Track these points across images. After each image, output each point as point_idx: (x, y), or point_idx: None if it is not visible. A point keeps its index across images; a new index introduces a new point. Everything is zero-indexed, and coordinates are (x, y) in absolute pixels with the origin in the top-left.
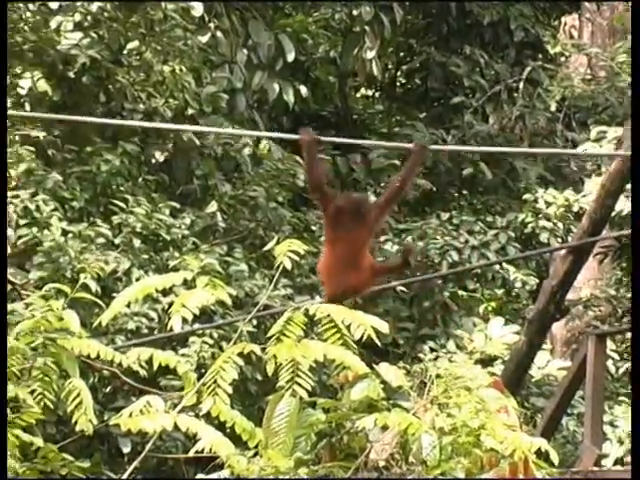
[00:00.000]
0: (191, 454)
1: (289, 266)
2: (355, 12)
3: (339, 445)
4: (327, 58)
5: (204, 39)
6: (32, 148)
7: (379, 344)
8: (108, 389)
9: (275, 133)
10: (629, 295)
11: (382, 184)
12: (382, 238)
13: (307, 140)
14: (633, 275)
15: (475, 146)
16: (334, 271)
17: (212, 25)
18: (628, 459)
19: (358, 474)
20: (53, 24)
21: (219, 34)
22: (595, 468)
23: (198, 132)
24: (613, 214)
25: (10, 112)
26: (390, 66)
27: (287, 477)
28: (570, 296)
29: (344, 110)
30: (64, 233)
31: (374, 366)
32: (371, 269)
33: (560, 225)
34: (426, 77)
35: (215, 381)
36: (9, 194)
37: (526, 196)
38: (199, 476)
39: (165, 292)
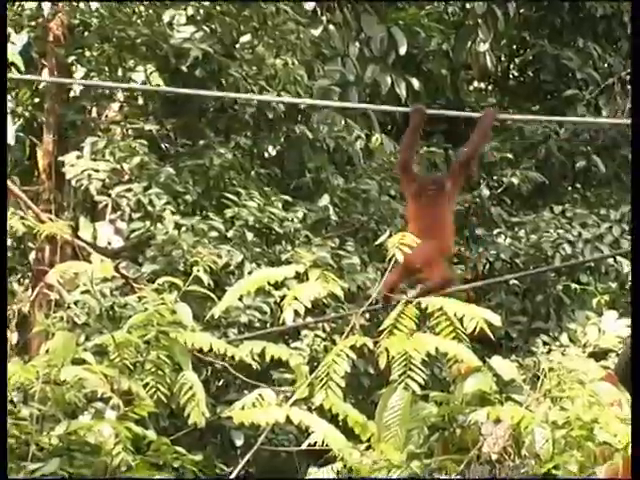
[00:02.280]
0: (303, 447)
1: (401, 259)
2: (468, 5)
3: (451, 438)
4: (439, 51)
5: (316, 32)
6: (145, 142)
7: (492, 337)
8: (220, 382)
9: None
10: None
11: (494, 177)
12: (495, 231)
13: (416, 117)
14: (633, 273)
15: (587, 138)
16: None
17: (324, 18)
18: None
19: (470, 467)
20: (166, 18)
21: (331, 27)
22: None
23: (307, 123)
24: None
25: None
26: (503, 59)
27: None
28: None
29: (456, 103)
30: (177, 226)
31: (487, 359)
32: (451, 237)
33: None
34: (539, 70)
35: (327, 374)
36: (122, 188)
37: None
38: (312, 469)
39: (277, 285)
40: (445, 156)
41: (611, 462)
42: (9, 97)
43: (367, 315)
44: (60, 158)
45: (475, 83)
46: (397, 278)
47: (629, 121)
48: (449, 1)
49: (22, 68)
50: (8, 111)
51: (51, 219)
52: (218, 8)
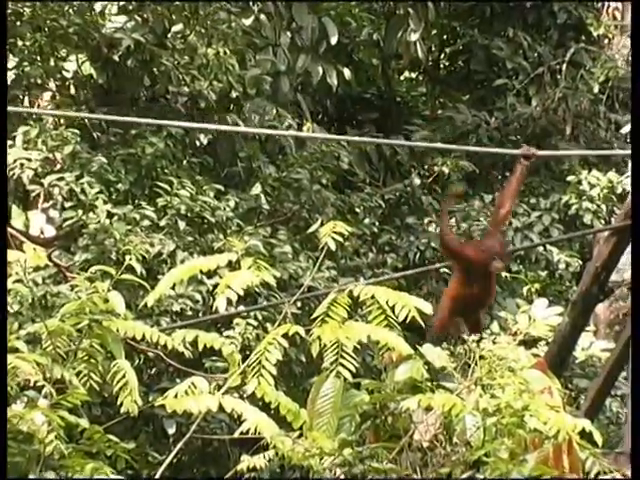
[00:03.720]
0: (236, 435)
1: (333, 247)
2: None
3: (383, 426)
4: (370, 41)
5: (248, 22)
6: (77, 131)
7: (423, 325)
8: (153, 371)
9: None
10: None
11: (425, 166)
12: (426, 220)
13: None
14: (633, 275)
15: (517, 127)
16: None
17: (256, 8)
18: None
19: (402, 455)
20: (98, 7)
21: (263, 17)
22: None
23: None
24: None
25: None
26: (433, 49)
27: None
28: (614, 278)
29: (387, 92)
30: (109, 215)
31: (418, 347)
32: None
33: (603, 207)
34: (469, 59)
35: (259, 362)
36: (54, 176)
37: (569, 178)
38: (244, 457)
39: (210, 274)
40: (377, 145)
41: (541, 449)
42: None
43: (299, 303)
44: None
45: (406, 72)
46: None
47: None
48: None
49: None
50: None
51: None
52: None
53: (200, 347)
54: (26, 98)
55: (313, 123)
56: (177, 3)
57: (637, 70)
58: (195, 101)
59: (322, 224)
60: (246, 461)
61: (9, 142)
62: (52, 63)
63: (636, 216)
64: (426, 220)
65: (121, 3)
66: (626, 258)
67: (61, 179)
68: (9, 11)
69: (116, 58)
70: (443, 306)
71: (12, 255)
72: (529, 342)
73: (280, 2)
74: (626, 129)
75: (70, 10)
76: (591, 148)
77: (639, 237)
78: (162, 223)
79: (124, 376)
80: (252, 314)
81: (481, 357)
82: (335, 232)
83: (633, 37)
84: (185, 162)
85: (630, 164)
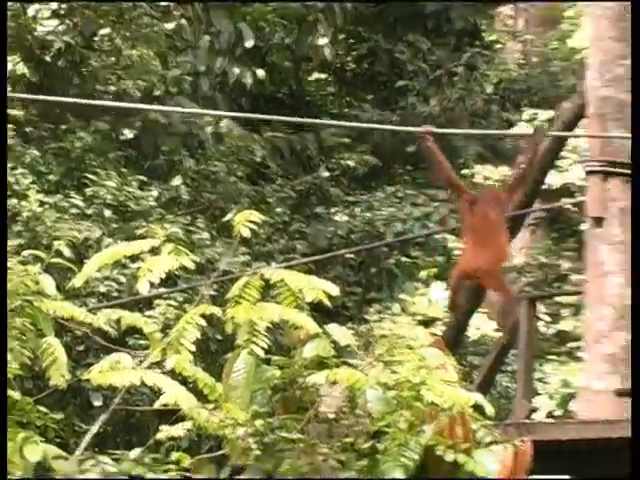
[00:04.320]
0: (156, 407)
1: (247, 234)
2: (309, 2)
3: (292, 399)
4: (283, 44)
5: (170, 26)
6: (12, 126)
7: (329, 306)
8: (81, 347)
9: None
10: (558, 262)
11: (333, 160)
12: (333, 209)
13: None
14: (633, 275)
15: (417, 125)
16: (473, 251)
17: (177, 13)
18: (557, 412)
19: (309, 425)
20: (31, 12)
21: (183, 21)
22: (527, 420)
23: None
24: (544, 188)
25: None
26: (341, 52)
27: None
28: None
29: (298, 92)
30: (41, 204)
31: (325, 327)
32: (506, 245)
33: None
34: (373, 62)
35: (178, 340)
36: None
37: (464, 171)
38: (163, 427)
39: (133, 258)
40: (288, 140)
41: (437, 421)
42: None
43: (215, 286)
44: None
45: (315, 74)
46: (457, 284)
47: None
48: None
49: None
50: None
51: None
52: (79, 3)
53: (124, 326)
54: None
55: (230, 120)
56: (104, 8)
57: (637, 70)
58: (120, 99)
59: (237, 213)
60: (165, 431)
61: None
62: None
63: (636, 215)
64: (333, 209)
65: (53, 8)
66: (516, 245)
67: None
68: None
69: (48, 59)
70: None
71: None
72: (427, 322)
73: (200, 8)
74: (517, 127)
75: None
76: (485, 144)
77: (639, 234)
78: (89, 211)
79: (53, 352)
80: (172, 296)
81: (382, 336)
82: (249, 220)
83: (633, 37)
84: (111, 155)
85: (630, 164)
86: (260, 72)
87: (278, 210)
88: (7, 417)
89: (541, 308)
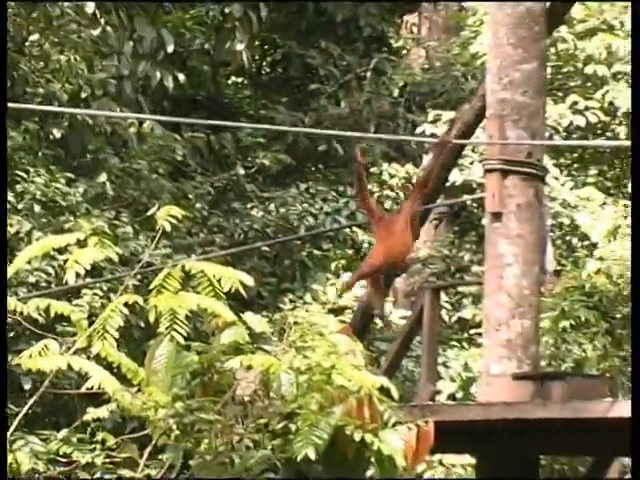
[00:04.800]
0: (83, 390)
1: (168, 228)
2: (227, 10)
3: (210, 383)
4: (202, 50)
5: (95, 32)
6: None
7: (245, 296)
8: (11, 334)
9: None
10: (460, 255)
11: (249, 158)
12: (249, 205)
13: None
14: (632, 275)
15: (330, 128)
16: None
17: (102, 20)
18: (458, 395)
19: (226, 407)
20: None
21: (108, 28)
22: (430, 402)
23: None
24: (447, 185)
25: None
26: (257, 57)
27: None
28: (410, 255)
29: (216, 95)
30: None
31: (241, 315)
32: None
33: (401, 194)
34: (287, 67)
35: (104, 327)
36: None
37: (372, 169)
38: (89, 409)
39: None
40: (207, 140)
41: (346, 403)
42: None
43: (139, 277)
44: None
45: (233, 77)
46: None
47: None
48: (211, 1)
49: None
50: None
51: None
52: (10, 10)
53: (52, 314)
54: None
55: (152, 121)
56: (34, 15)
57: (637, 70)
58: (49, 101)
59: (159, 208)
60: (91, 413)
61: None
62: None
63: (636, 215)
64: (249, 205)
65: None
66: (420, 238)
67: None
68: None
69: None
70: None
71: None
72: (337, 310)
73: (124, 15)
74: (421, 128)
75: None
76: (391, 144)
77: (639, 235)
78: (20, 206)
79: None
80: (98, 286)
81: (295, 323)
82: (170, 215)
83: (633, 37)
84: (40, 154)
85: (630, 165)
86: (181, 76)
87: (197, 205)
88: (7, 416)
89: (444, 297)
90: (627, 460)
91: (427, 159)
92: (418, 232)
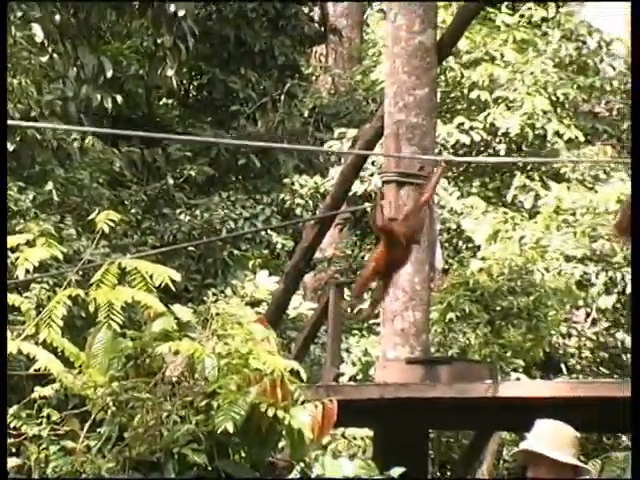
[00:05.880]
0: (31, 371)
1: (107, 230)
2: (159, 41)
3: (142, 365)
4: (137, 75)
5: (44, 59)
6: None
7: (174, 290)
8: None
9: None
10: (361, 254)
11: (177, 170)
12: (178, 211)
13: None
14: (633, 275)
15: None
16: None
17: (50, 48)
18: (359, 377)
19: (157, 387)
20: None
21: (55, 55)
22: (334, 383)
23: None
24: (350, 194)
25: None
26: (185, 82)
27: None
28: (317, 255)
29: (149, 114)
30: None
31: (170, 306)
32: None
33: (310, 202)
34: (211, 90)
35: (50, 317)
36: None
37: (285, 180)
38: (37, 388)
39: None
40: (141, 154)
41: (261, 384)
42: None
43: (81, 273)
44: None
45: (164, 99)
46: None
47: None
48: (145, 33)
49: None
50: None
51: None
52: None
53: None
54: None
55: (93, 137)
56: None
57: (637, 69)
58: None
59: (99, 213)
60: (38, 391)
61: None
62: None
63: (636, 217)
64: (178, 211)
65: None
66: (327, 240)
67: None
68: None
69: None
70: (365, 273)
71: None
72: (254, 303)
73: (69, 44)
74: (328, 144)
75: None
76: (302, 158)
77: (639, 237)
78: None
79: None
80: (45, 280)
81: (217, 314)
82: (108, 219)
83: (633, 38)
84: None
85: (630, 165)
86: (118, 98)
87: (132, 211)
88: (7, 416)
89: (347, 292)
90: (504, 433)
91: (333, 171)
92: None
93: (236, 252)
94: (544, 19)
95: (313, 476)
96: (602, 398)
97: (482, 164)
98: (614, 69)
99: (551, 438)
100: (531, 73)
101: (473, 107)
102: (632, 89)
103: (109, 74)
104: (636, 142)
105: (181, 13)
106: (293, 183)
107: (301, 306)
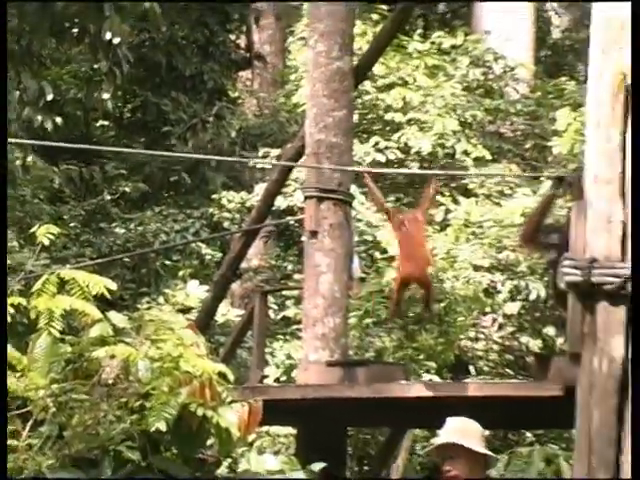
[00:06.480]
0: None
1: (47, 243)
2: (96, 66)
3: (81, 369)
4: (75, 98)
5: None
6: None
7: (110, 298)
8: None
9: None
10: (284, 265)
11: (113, 186)
12: (114, 224)
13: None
14: (633, 276)
15: (179, 161)
16: (406, 261)
17: None
18: (282, 378)
19: (94, 389)
20: None
21: None
22: (259, 384)
23: None
24: (274, 209)
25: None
26: (120, 104)
27: None
28: (244, 265)
29: (87, 135)
30: None
31: (106, 313)
32: (429, 256)
33: (237, 216)
34: (145, 112)
35: None
36: None
37: (214, 196)
38: None
39: None
40: (79, 172)
41: (191, 385)
42: None
43: (23, 282)
44: None
45: (100, 121)
46: (399, 292)
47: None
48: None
49: None
50: None
51: None
52: None
53: None
54: None
55: (34, 155)
56: None
57: (637, 68)
58: None
59: (40, 227)
60: None
61: None
62: None
63: (636, 221)
64: (114, 224)
65: None
66: (252, 251)
67: None
68: None
69: None
70: (395, 289)
71: None
72: (184, 310)
73: (13, 70)
74: (252, 161)
75: None
76: (229, 175)
77: (639, 242)
78: None
79: None
80: None
81: (150, 320)
82: (49, 232)
83: (633, 37)
84: None
85: (630, 166)
86: (58, 119)
87: (71, 225)
88: (7, 415)
89: (271, 299)
90: (417, 431)
91: (258, 187)
92: None
93: (168, 263)
94: (453, 46)
95: (239, 471)
96: (507, 397)
97: (397, 181)
98: (517, 92)
99: (463, 432)
100: (441, 96)
101: (388, 128)
102: (632, 88)
103: (49, 97)
104: (636, 141)
105: (116, 40)
106: (221, 198)
107: (229, 313)
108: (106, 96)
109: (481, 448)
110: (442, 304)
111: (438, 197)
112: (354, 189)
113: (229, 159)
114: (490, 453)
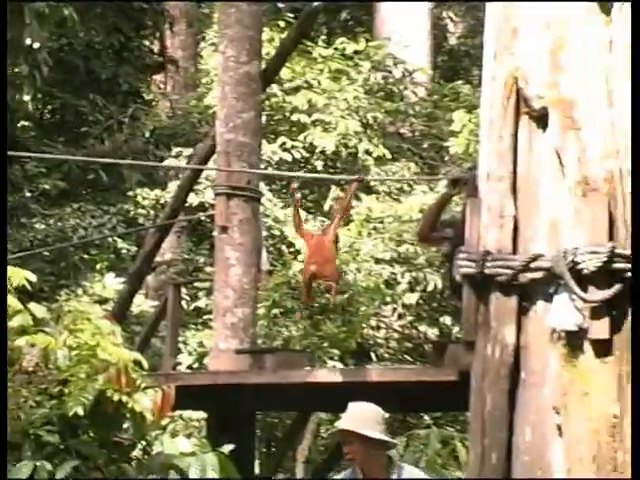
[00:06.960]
0: None
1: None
2: (17, 69)
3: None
4: None
5: None
6: None
7: (30, 290)
8: None
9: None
10: (196, 258)
11: (34, 183)
12: (35, 220)
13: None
14: (633, 276)
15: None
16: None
17: None
18: (195, 365)
19: (15, 376)
20: None
21: None
22: (172, 371)
23: None
24: (186, 205)
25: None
26: (40, 106)
27: None
28: (158, 259)
29: (10, 135)
30: None
31: (26, 304)
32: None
33: (152, 212)
34: (64, 113)
35: None
36: None
37: (129, 193)
38: None
39: None
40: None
41: (108, 372)
42: None
43: None
44: None
45: (22, 122)
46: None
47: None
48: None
49: None
50: None
51: None
52: None
53: None
54: None
55: None
56: None
57: (637, 68)
58: None
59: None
60: None
61: None
62: None
63: (636, 219)
64: (34, 220)
65: None
66: (166, 246)
67: None
68: None
69: None
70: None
71: None
72: (101, 301)
73: None
74: (167, 162)
75: None
76: (144, 173)
77: (638, 239)
78: None
79: None
80: None
81: (69, 311)
82: None
83: (633, 38)
84: None
85: (630, 167)
86: None
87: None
88: (7, 415)
89: (184, 291)
90: (322, 414)
91: (172, 185)
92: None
93: (86, 256)
94: (356, 52)
95: (153, 453)
96: (406, 382)
97: (303, 179)
98: (416, 95)
99: (361, 417)
100: (344, 99)
101: (294, 128)
102: (632, 88)
103: None
104: (636, 141)
105: (36, 45)
106: (136, 195)
107: (143, 304)
108: (26, 98)
109: (375, 433)
110: (345, 295)
111: (341, 194)
112: (262, 186)
113: (148, 163)
114: (384, 437)
